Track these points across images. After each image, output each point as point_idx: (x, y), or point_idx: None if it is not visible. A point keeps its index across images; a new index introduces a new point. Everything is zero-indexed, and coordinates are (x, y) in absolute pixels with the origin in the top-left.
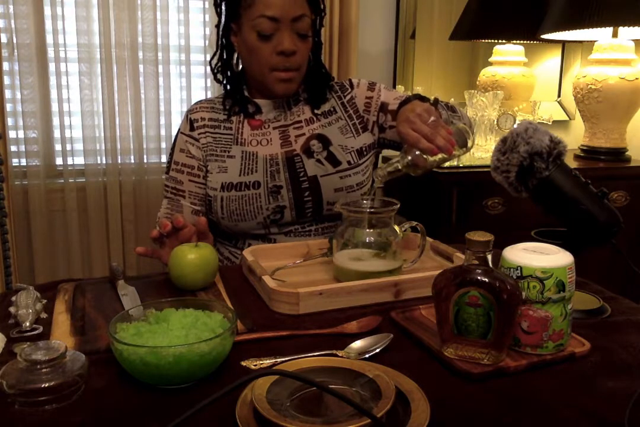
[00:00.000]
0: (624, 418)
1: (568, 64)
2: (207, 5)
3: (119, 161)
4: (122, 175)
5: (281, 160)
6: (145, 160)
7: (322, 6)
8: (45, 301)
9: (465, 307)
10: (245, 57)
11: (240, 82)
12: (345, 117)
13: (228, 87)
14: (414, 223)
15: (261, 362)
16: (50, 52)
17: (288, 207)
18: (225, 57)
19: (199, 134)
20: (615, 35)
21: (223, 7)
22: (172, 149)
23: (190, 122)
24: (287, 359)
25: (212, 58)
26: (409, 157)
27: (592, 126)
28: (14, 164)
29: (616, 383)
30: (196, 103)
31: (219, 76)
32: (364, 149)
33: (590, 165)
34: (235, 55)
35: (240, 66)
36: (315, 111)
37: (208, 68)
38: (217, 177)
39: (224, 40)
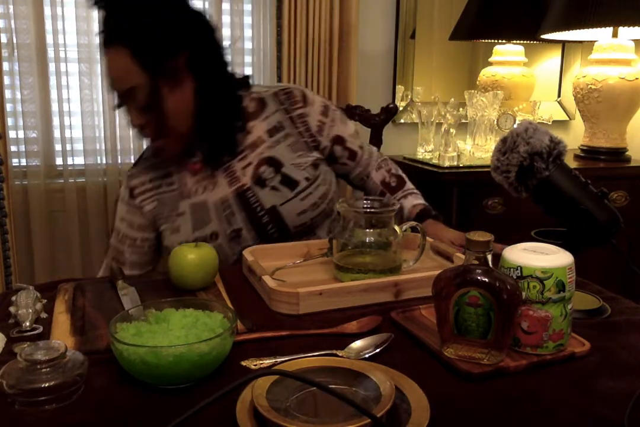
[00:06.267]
0: (624, 418)
1: (568, 64)
2: (207, 6)
3: (119, 161)
4: (122, 175)
5: (233, 200)
6: None
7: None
8: (45, 300)
9: (465, 307)
10: None
11: None
12: (295, 133)
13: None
14: (414, 223)
15: (261, 362)
16: (50, 52)
17: (254, 245)
18: None
19: (141, 201)
20: (615, 35)
21: None
22: (115, 213)
23: (129, 190)
24: (287, 359)
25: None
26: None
27: (592, 126)
28: (14, 164)
29: (616, 383)
30: (135, 165)
31: None
32: (317, 160)
33: (590, 165)
34: None
35: None
36: (259, 133)
37: None
38: (171, 239)
39: None
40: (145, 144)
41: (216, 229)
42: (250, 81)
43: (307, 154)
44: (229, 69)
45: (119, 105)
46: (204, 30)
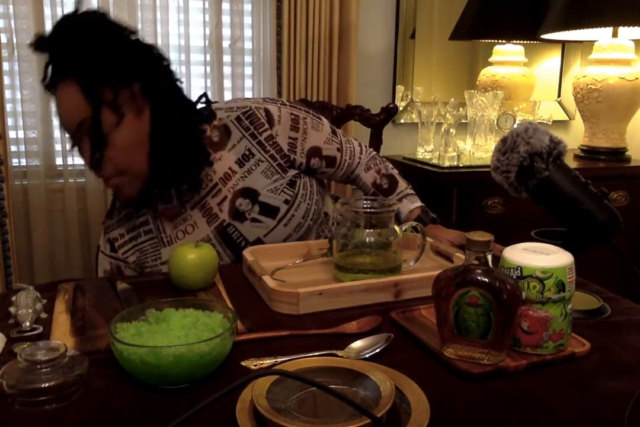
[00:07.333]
0: (624, 418)
1: (568, 64)
2: (207, 5)
3: None
4: None
5: (215, 239)
6: None
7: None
8: (45, 300)
9: (465, 307)
10: None
11: None
12: (266, 157)
13: None
14: (414, 223)
15: (261, 362)
16: None
17: None
18: None
19: (124, 253)
20: (615, 35)
21: None
22: (96, 265)
23: (109, 242)
24: (287, 359)
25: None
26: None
27: (592, 126)
28: (14, 164)
29: (616, 383)
30: (109, 216)
31: None
32: (294, 177)
33: (590, 165)
34: None
35: None
36: (229, 164)
37: (208, 68)
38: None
39: None
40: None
41: None
42: (209, 94)
43: (283, 175)
44: (189, 101)
45: (73, 146)
46: (156, 63)
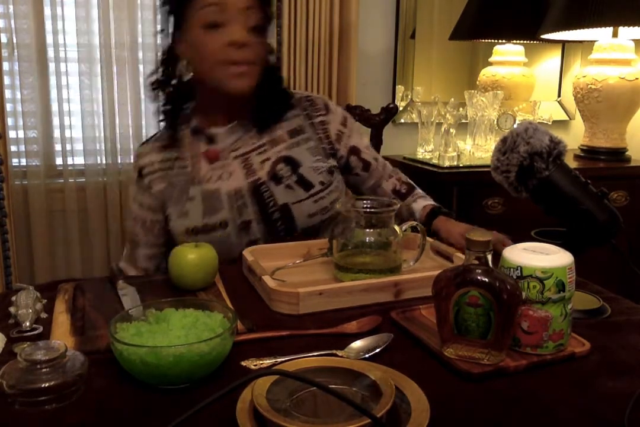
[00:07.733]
0: (624, 418)
1: (568, 64)
2: None
3: (119, 161)
4: (122, 175)
5: (247, 192)
6: None
7: (271, 12)
8: (45, 300)
9: (465, 307)
10: (194, 60)
11: (184, 103)
12: (315, 138)
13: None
14: (414, 223)
15: (261, 362)
16: (50, 52)
17: (261, 240)
18: (170, 71)
19: (149, 181)
20: (615, 35)
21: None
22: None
23: (138, 169)
24: (287, 359)
25: (150, 75)
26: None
27: (592, 126)
28: (14, 164)
29: (616, 383)
30: (144, 144)
31: (160, 94)
32: (333, 168)
33: (590, 165)
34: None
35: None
36: (279, 130)
37: None
38: (178, 223)
39: (170, 56)
40: (158, 126)
41: (226, 218)
42: None
43: (325, 160)
44: None
45: (214, 26)
46: None
